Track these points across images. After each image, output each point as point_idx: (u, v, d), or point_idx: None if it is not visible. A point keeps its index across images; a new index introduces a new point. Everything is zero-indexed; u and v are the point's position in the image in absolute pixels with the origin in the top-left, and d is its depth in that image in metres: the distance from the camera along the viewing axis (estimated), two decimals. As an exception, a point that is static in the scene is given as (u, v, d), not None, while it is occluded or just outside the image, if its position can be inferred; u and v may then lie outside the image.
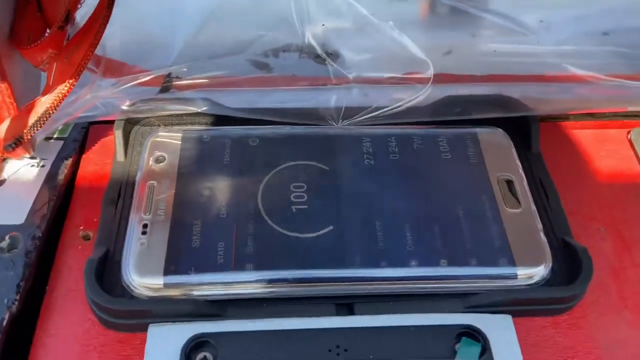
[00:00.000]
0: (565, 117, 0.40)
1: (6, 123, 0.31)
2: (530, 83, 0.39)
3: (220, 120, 0.37)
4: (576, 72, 0.38)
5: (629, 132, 0.39)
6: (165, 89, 0.36)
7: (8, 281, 0.29)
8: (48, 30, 0.32)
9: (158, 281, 0.29)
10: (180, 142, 0.35)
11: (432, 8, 0.41)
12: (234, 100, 0.37)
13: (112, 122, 0.36)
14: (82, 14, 0.33)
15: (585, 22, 0.39)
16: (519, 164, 0.35)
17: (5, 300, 0.28)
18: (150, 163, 0.34)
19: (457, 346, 0.27)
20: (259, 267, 0.29)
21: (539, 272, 0.30)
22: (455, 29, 0.40)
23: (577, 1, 0.40)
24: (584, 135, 0.39)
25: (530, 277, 0.30)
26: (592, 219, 0.35)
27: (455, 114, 0.37)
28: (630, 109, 0.39)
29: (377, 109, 0.37)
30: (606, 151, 0.39)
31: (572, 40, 0.39)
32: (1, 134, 0.30)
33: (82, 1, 0.32)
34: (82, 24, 0.32)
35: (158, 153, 0.34)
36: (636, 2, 0.42)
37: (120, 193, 0.34)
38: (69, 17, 0.31)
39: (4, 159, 0.35)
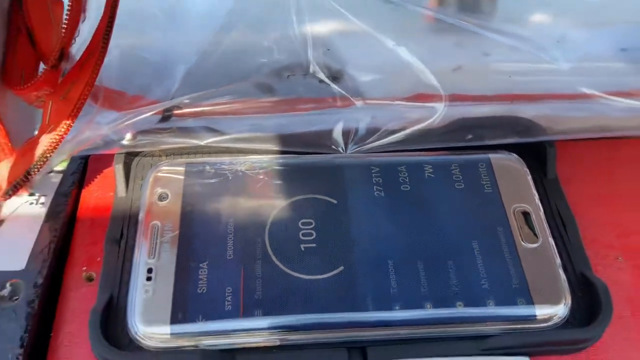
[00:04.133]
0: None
1: (3, 166, 0.30)
2: (546, 102, 0.37)
3: (225, 151, 0.35)
4: (594, 92, 0.36)
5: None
6: (165, 118, 0.35)
7: (11, 334, 0.28)
8: (42, 65, 0.31)
9: (165, 331, 0.28)
10: (183, 177, 0.34)
11: (439, 23, 0.39)
12: (238, 127, 0.36)
13: (107, 154, 0.34)
14: (78, 46, 0.31)
15: (602, 39, 0.37)
16: (535, 193, 0.34)
17: (9, 356, 0.28)
18: (153, 201, 0.32)
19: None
20: (268, 313, 0.28)
21: (558, 311, 0.29)
22: (465, 46, 0.38)
23: (593, 18, 0.38)
24: (602, 156, 0.38)
25: (549, 318, 0.29)
26: (610, 247, 0.34)
27: (468, 139, 0.36)
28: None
29: (386, 134, 0.36)
30: (626, 173, 0.37)
31: (589, 57, 0.37)
32: (5, 174, 0.29)
33: (76, 36, 0.30)
34: (78, 58, 0.31)
35: (160, 190, 0.33)
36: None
37: (123, 232, 0.32)
38: (63, 55, 0.29)
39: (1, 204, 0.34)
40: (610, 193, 0.36)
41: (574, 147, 0.38)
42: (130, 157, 0.35)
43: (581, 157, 0.38)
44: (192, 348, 0.28)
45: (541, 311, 0.29)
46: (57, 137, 0.30)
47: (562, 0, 0.38)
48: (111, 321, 0.29)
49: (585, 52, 0.37)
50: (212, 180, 0.34)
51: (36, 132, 0.31)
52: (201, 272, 0.30)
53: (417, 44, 0.37)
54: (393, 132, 0.36)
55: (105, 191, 0.35)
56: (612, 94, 0.37)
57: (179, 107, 0.35)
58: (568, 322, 0.29)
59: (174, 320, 0.28)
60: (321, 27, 0.37)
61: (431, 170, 0.35)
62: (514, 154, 0.36)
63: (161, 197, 0.33)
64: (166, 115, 0.35)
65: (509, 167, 0.35)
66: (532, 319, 0.29)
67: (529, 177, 0.34)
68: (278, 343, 0.28)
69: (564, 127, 0.37)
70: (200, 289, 0.29)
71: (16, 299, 0.30)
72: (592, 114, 0.37)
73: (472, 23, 0.37)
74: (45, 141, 0.30)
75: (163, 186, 0.33)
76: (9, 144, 0.30)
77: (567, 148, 0.38)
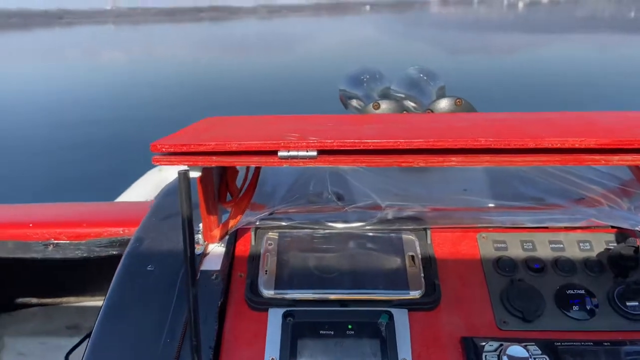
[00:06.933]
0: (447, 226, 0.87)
1: (217, 231, 0.82)
2: (427, 211, 0.87)
3: (295, 227, 0.87)
4: (454, 207, 0.86)
5: (477, 234, 0.86)
6: (271, 214, 0.87)
7: (216, 293, 0.79)
8: (229, 194, 0.84)
9: (272, 292, 0.78)
10: (277, 237, 0.85)
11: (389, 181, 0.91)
12: (299, 218, 0.87)
13: (249, 228, 0.87)
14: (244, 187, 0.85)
15: (452, 184, 0.88)
16: (418, 248, 0.83)
17: (218, 303, 0.78)
18: (266, 246, 0.84)
19: (381, 316, 0.75)
20: (311, 287, 0.78)
21: (418, 292, 0.77)
22: (397, 187, 0.90)
23: (453, 174, 0.89)
24: (454, 235, 0.87)
25: (415, 295, 0.77)
26: (450, 274, 0.82)
27: (397, 226, 0.86)
28: (479, 225, 0.86)
29: (360, 221, 0.86)
30: (465, 244, 0.86)
31: (444, 193, 0.87)
32: (217, 235, 0.82)
33: (244, 186, 0.84)
34: (244, 191, 0.84)
35: (269, 241, 0.85)
36: (489, 172, 0.91)
37: (254, 258, 0.84)
38: (239, 192, 0.83)
39: (209, 245, 0.86)
40: (456, 251, 0.85)
41: (446, 230, 0.87)
42: (257, 229, 0.87)
43: (447, 235, 0.87)
44: (283, 298, 0.77)
45: (412, 292, 0.77)
46: (235, 221, 0.83)
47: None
48: (252, 288, 0.79)
49: (441, 192, 0.88)
50: (288, 239, 0.85)
51: (225, 218, 0.84)
52: (286, 271, 0.80)
53: (373, 186, 0.88)
54: (363, 221, 0.86)
55: (247, 243, 0.87)
56: (463, 209, 0.87)
57: (277, 210, 0.88)
58: (423, 296, 0.77)
59: (276, 288, 0.78)
60: (334, 177, 0.89)
61: (379, 238, 0.85)
62: (412, 232, 0.85)
63: (269, 245, 0.84)
64: (271, 213, 0.88)
65: (408, 238, 0.85)
66: (407, 294, 0.77)
67: (417, 242, 0.84)
68: (313, 299, 0.78)
69: (441, 222, 0.87)
70: (286, 278, 0.79)
71: (217, 279, 0.81)
72: (456, 218, 0.87)
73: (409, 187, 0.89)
74: (231, 222, 0.83)
75: (270, 241, 0.85)
76: (217, 222, 0.83)
77: (443, 231, 0.87)
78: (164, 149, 0.59)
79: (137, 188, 2.77)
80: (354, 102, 1.19)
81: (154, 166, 3.32)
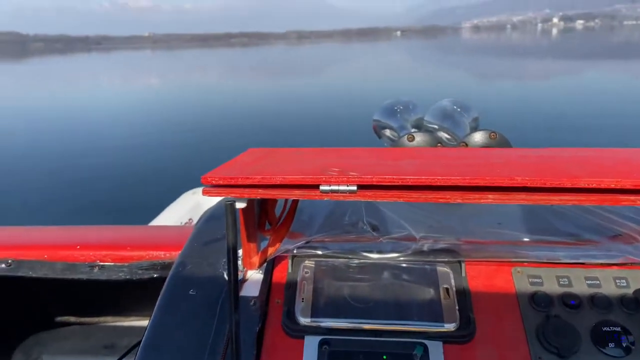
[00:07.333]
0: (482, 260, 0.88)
1: (256, 258, 0.86)
2: (462, 243, 0.88)
3: (331, 256, 0.89)
4: (484, 240, 0.87)
5: (511, 268, 0.87)
6: (307, 243, 0.90)
7: (256, 317, 0.82)
8: (268, 223, 0.88)
9: (308, 320, 0.80)
10: (314, 265, 0.88)
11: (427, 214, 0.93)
12: (333, 247, 0.90)
13: (286, 255, 0.90)
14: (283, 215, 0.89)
15: (486, 217, 0.89)
16: (453, 281, 0.84)
17: (256, 329, 0.81)
18: (303, 274, 0.87)
19: (416, 347, 0.76)
20: (346, 317, 0.80)
21: (453, 325, 0.78)
22: (431, 219, 0.92)
23: (487, 207, 0.90)
24: (489, 268, 0.88)
25: (449, 327, 0.78)
26: (485, 307, 0.82)
27: (431, 257, 0.87)
28: (513, 260, 0.87)
29: (394, 252, 0.88)
30: (499, 278, 0.86)
31: (479, 226, 0.89)
32: (256, 262, 0.85)
33: (283, 215, 0.87)
34: (282, 220, 0.88)
35: (305, 269, 0.87)
36: (524, 206, 0.92)
37: (291, 286, 0.86)
38: (278, 222, 0.86)
39: (248, 271, 0.89)
40: (490, 285, 0.85)
41: (481, 264, 0.88)
42: (294, 257, 0.90)
43: (482, 268, 0.87)
44: (319, 326, 0.80)
45: (446, 325, 0.78)
46: (274, 249, 0.86)
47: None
48: (289, 316, 0.81)
49: (476, 224, 0.89)
50: (324, 267, 0.87)
51: (264, 246, 0.87)
52: (322, 299, 0.82)
53: (408, 217, 0.90)
54: (398, 252, 0.88)
55: (284, 270, 0.90)
56: (498, 242, 0.88)
57: (314, 239, 0.90)
58: (458, 329, 0.78)
59: (313, 315, 0.80)
60: (369, 208, 0.92)
61: (413, 269, 0.86)
62: (447, 264, 0.86)
63: (305, 273, 0.87)
64: (308, 241, 0.90)
65: (443, 270, 0.86)
66: (442, 327, 0.78)
67: (451, 274, 0.85)
68: (348, 327, 0.79)
69: (475, 255, 0.88)
70: (322, 306, 0.82)
71: (255, 305, 0.83)
72: (490, 252, 0.88)
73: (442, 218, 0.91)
74: (269, 250, 0.86)
75: (307, 268, 0.87)
76: (256, 250, 0.86)
77: (477, 264, 0.88)
78: (213, 182, 0.63)
79: (172, 210, 2.87)
80: (387, 133, 1.22)
81: (188, 189, 3.42)
